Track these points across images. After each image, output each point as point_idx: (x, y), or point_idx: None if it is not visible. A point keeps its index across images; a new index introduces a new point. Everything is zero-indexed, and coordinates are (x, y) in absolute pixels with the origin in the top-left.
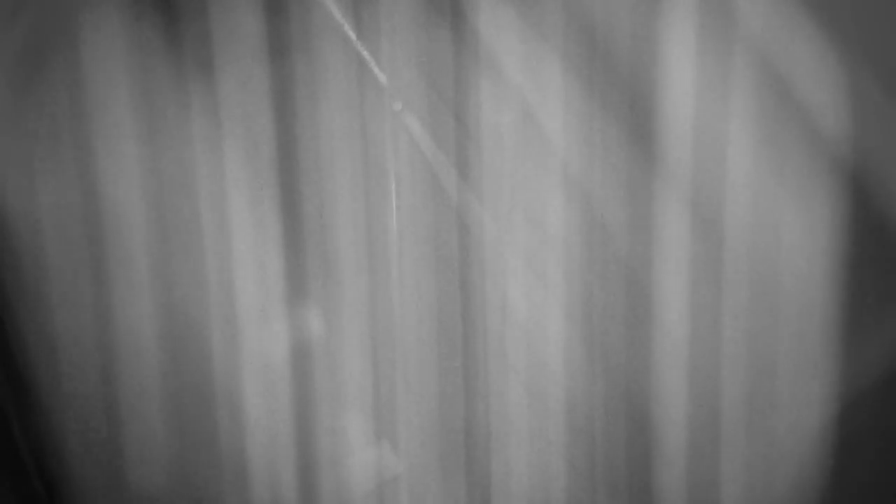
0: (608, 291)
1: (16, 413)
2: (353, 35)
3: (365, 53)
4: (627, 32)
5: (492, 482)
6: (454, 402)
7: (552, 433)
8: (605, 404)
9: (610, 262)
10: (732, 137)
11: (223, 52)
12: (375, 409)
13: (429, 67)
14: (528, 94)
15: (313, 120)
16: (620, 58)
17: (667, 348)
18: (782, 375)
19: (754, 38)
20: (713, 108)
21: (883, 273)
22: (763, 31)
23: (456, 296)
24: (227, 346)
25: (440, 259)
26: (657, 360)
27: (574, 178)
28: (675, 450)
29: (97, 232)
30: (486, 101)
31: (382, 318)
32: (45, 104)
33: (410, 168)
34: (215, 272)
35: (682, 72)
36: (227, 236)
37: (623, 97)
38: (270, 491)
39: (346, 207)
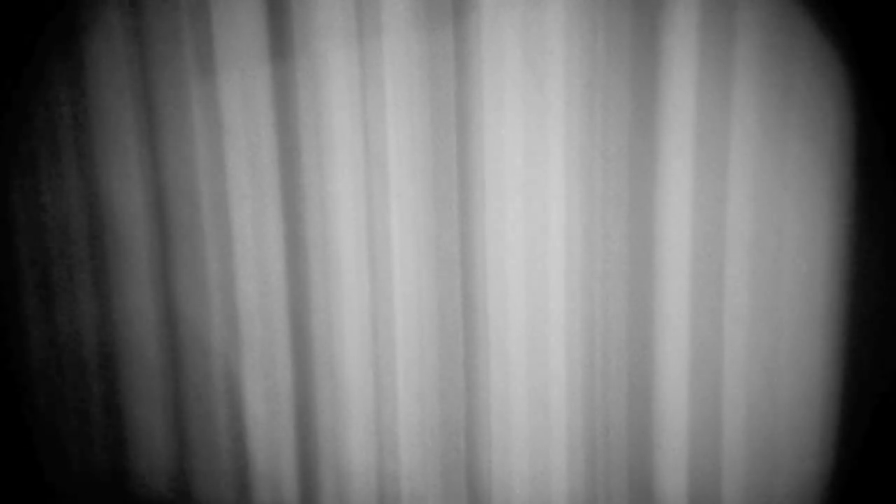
0: (609, 292)
1: (16, 412)
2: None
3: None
4: (629, 33)
5: (492, 482)
6: (454, 403)
7: (553, 433)
8: (605, 404)
9: (611, 263)
10: (734, 139)
11: (224, 53)
12: (376, 409)
13: (430, 66)
14: (530, 94)
15: (314, 120)
16: (622, 58)
17: (668, 348)
18: (783, 375)
19: (755, 40)
20: (715, 110)
21: (883, 273)
22: (764, 32)
23: (457, 295)
24: (229, 346)
25: (441, 259)
26: (658, 360)
27: (575, 179)
28: (676, 450)
29: (98, 232)
30: (487, 100)
31: (383, 318)
32: (47, 105)
33: (411, 168)
34: (215, 272)
35: (684, 73)
36: (227, 236)
37: (625, 98)
38: (270, 491)
39: (348, 207)
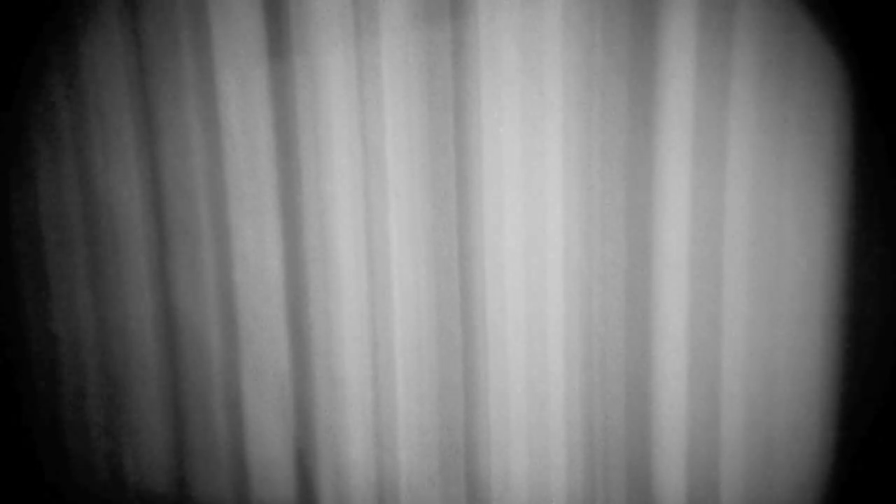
0: (607, 291)
1: (16, 412)
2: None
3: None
4: (627, 31)
5: (491, 480)
6: (453, 401)
7: (551, 432)
8: (604, 404)
9: (609, 262)
10: (732, 138)
11: (222, 52)
12: (375, 407)
13: (428, 65)
14: (528, 92)
15: (312, 119)
16: (620, 57)
17: (666, 348)
18: (782, 374)
19: (754, 39)
20: (713, 109)
21: (883, 273)
22: (763, 31)
23: (455, 293)
24: (227, 345)
25: (439, 256)
26: (656, 358)
27: (573, 179)
28: (675, 450)
29: (96, 232)
30: (485, 98)
31: (382, 316)
32: (45, 105)
33: (409, 166)
34: (214, 273)
35: (682, 71)
36: (226, 237)
37: (623, 96)
38: (269, 490)
39: (346, 206)
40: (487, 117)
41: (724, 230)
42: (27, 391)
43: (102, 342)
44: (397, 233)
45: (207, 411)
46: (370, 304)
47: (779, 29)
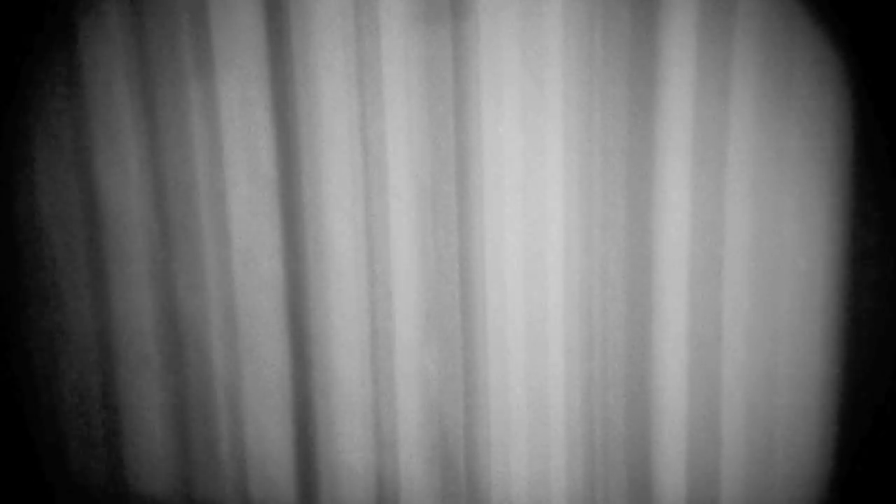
0: (607, 290)
1: (17, 413)
2: None
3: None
4: (627, 30)
5: (491, 482)
6: (453, 402)
7: (552, 433)
8: (604, 404)
9: (609, 261)
10: (732, 137)
11: (222, 52)
12: (375, 408)
13: (428, 65)
14: (528, 92)
15: (312, 119)
16: (620, 57)
17: (666, 347)
18: (782, 374)
19: (754, 37)
20: (713, 107)
21: (882, 272)
22: (763, 30)
23: (455, 294)
24: (227, 345)
25: (439, 257)
26: (656, 359)
27: (574, 179)
28: (675, 450)
29: (97, 232)
30: (486, 98)
31: (381, 317)
32: (46, 105)
33: (409, 167)
34: (214, 271)
35: (682, 71)
36: (225, 235)
37: (623, 95)
38: (269, 490)
39: (346, 206)
40: (488, 115)
41: (724, 230)
42: (27, 391)
43: (103, 342)
44: (397, 232)
45: (208, 411)
46: (370, 303)
47: (779, 29)
